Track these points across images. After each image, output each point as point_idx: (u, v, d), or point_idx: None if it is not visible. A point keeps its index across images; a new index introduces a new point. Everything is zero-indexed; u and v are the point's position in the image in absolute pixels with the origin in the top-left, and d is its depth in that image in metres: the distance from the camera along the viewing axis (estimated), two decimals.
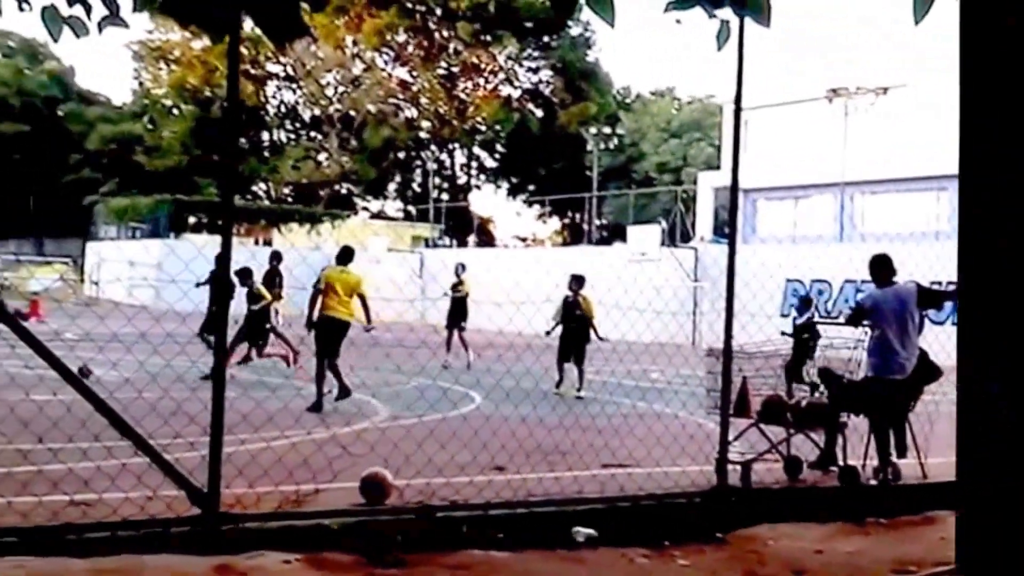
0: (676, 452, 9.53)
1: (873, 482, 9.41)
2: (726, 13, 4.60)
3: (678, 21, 4.73)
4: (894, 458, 9.57)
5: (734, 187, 8.95)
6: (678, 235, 42.64)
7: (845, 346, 9.97)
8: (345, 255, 15.05)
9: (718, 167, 44.85)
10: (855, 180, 37.25)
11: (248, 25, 4.55)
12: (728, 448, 8.56)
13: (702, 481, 8.53)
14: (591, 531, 7.50)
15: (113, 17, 4.53)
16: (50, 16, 4.48)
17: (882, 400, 9.58)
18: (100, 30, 4.61)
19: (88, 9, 4.46)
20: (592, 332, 17.16)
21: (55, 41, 4.62)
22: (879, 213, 37.46)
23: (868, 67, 37.71)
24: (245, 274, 15.88)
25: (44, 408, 7.84)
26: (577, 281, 17.70)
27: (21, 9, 4.47)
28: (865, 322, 9.86)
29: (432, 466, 8.51)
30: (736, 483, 8.67)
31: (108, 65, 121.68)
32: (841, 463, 9.57)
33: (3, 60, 75.64)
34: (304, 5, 4.34)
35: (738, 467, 8.84)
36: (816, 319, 17.46)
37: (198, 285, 14.31)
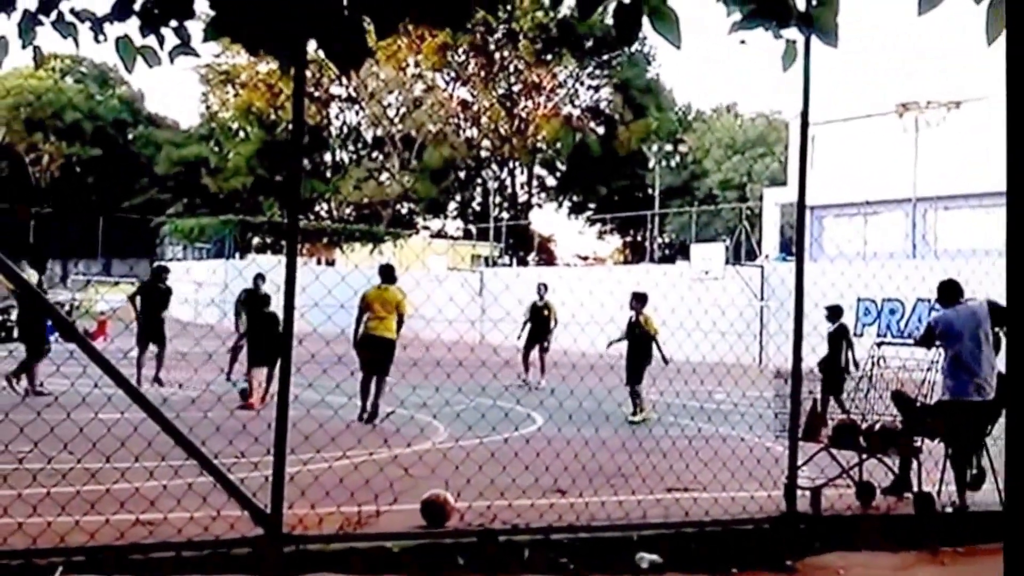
0: (743, 476, 9.34)
1: (949, 509, 9.07)
2: (792, 33, 4.49)
3: (743, 42, 4.63)
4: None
5: (801, 204, 8.75)
6: (743, 253, 42.12)
7: (919, 368, 9.66)
8: (386, 273, 15.69)
9: (784, 183, 44.13)
10: (927, 196, 36.40)
11: (312, 47, 4.60)
12: (797, 473, 8.32)
13: (770, 507, 8.35)
14: (655, 557, 7.37)
15: (184, 46, 4.59)
16: (124, 46, 4.54)
17: (958, 424, 9.23)
18: (172, 60, 4.69)
19: (161, 40, 4.51)
20: (657, 352, 16.96)
21: (129, 71, 4.70)
22: (953, 229, 36.25)
23: (940, 80, 36.80)
24: None
25: (112, 428, 7.88)
26: (638, 299, 17.49)
27: (97, 40, 4.56)
28: (938, 343, 9.54)
29: (493, 488, 8.42)
30: (806, 509, 8.42)
31: (176, 89, 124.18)
32: (916, 489, 9.19)
33: (76, 86, 77.25)
34: (370, 30, 4.36)
35: (807, 492, 8.56)
36: (847, 327, 17.35)
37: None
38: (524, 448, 10.02)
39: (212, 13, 4.30)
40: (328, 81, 69.93)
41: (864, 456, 9.25)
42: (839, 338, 17.21)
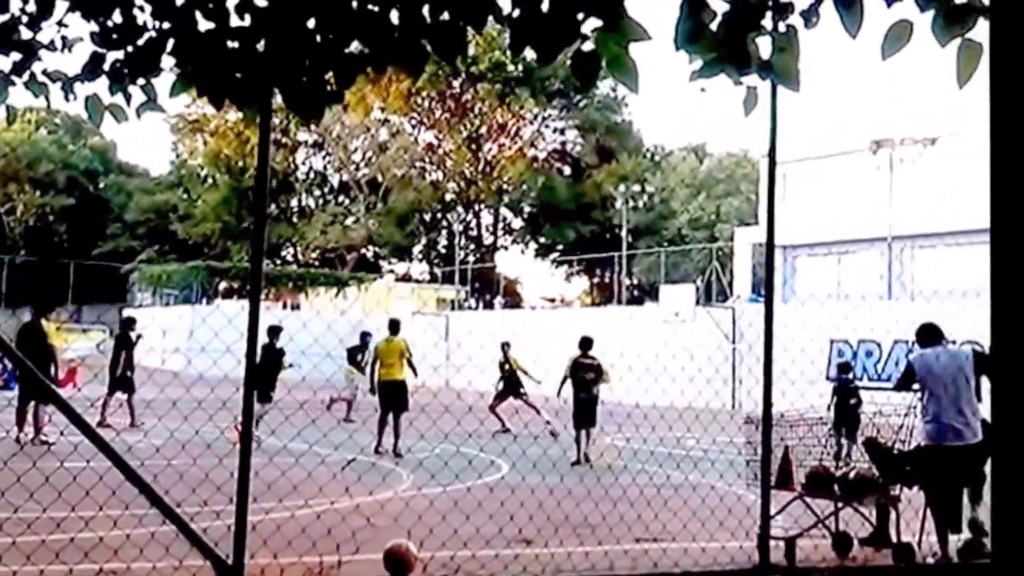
0: (714, 526, 9.21)
1: (931, 560, 8.79)
2: (754, 79, 4.49)
3: (703, 90, 4.64)
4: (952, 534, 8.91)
5: (769, 246, 8.69)
6: (714, 294, 42.04)
7: (895, 412, 9.45)
8: (392, 327, 18.15)
9: (755, 223, 43.99)
10: (903, 234, 36.05)
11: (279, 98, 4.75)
12: (771, 523, 8.17)
13: (742, 558, 8.22)
14: None
15: (151, 102, 4.71)
16: (92, 104, 4.68)
17: (937, 471, 8.95)
18: (139, 116, 4.81)
19: (128, 97, 4.63)
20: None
21: (97, 127, 4.83)
22: (930, 269, 35.73)
23: (915, 117, 36.72)
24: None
25: (78, 476, 7.79)
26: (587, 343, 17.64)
27: (67, 99, 4.71)
28: (916, 386, 9.29)
29: (457, 538, 8.31)
30: (780, 560, 8.25)
31: (148, 138, 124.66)
32: (895, 540, 8.98)
33: (49, 137, 77.81)
34: (330, 80, 4.44)
35: (782, 543, 8.39)
36: (855, 384, 17.21)
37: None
38: (488, 497, 9.91)
39: (178, 70, 4.41)
40: (295, 128, 70.05)
41: (840, 505, 9.08)
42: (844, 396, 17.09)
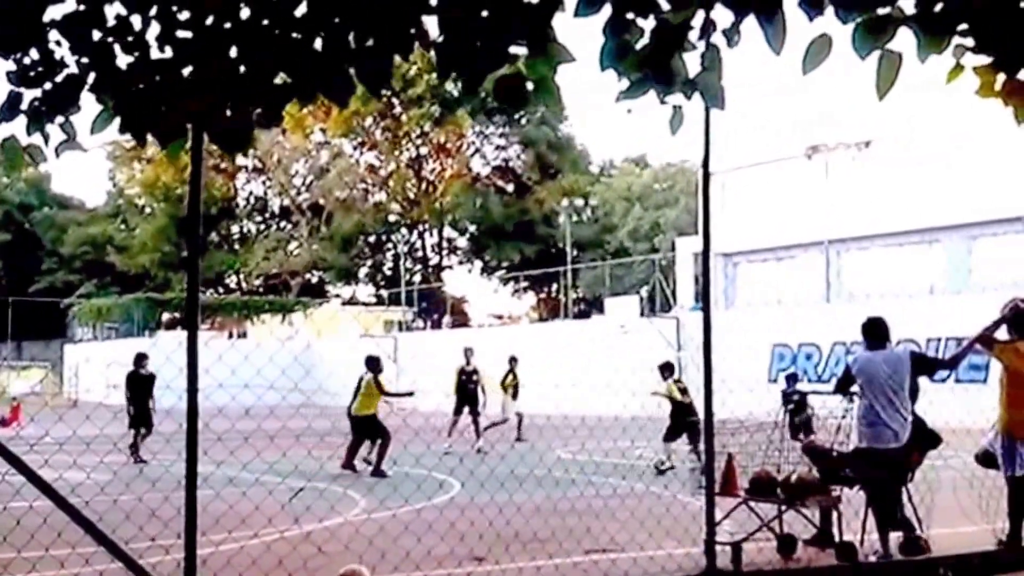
0: (661, 535, 9.27)
1: (872, 558, 8.92)
2: (679, 98, 4.53)
3: (629, 111, 4.67)
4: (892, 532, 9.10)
5: (705, 255, 8.82)
6: (658, 304, 42.26)
7: (832, 415, 9.60)
8: (370, 364, 18.32)
9: (696, 232, 44.23)
10: (840, 237, 36.53)
11: None
12: (716, 528, 8.27)
13: (690, 565, 8.30)
14: None
15: (70, 141, 4.54)
16: (10, 147, 4.55)
17: (875, 472, 9.04)
18: (57, 155, 4.66)
19: (46, 137, 4.48)
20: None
21: (14, 170, 4.72)
22: (868, 270, 36.21)
23: (847, 121, 37.21)
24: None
25: (22, 519, 7.72)
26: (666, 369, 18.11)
27: None
28: (853, 388, 9.39)
29: (409, 561, 8.34)
30: (727, 565, 8.31)
31: (84, 168, 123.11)
32: (838, 539, 9.11)
33: None
34: (255, 118, 4.41)
35: (728, 548, 8.46)
36: (802, 393, 17.28)
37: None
38: (439, 517, 9.91)
39: (99, 106, 4.33)
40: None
41: (783, 508, 9.20)
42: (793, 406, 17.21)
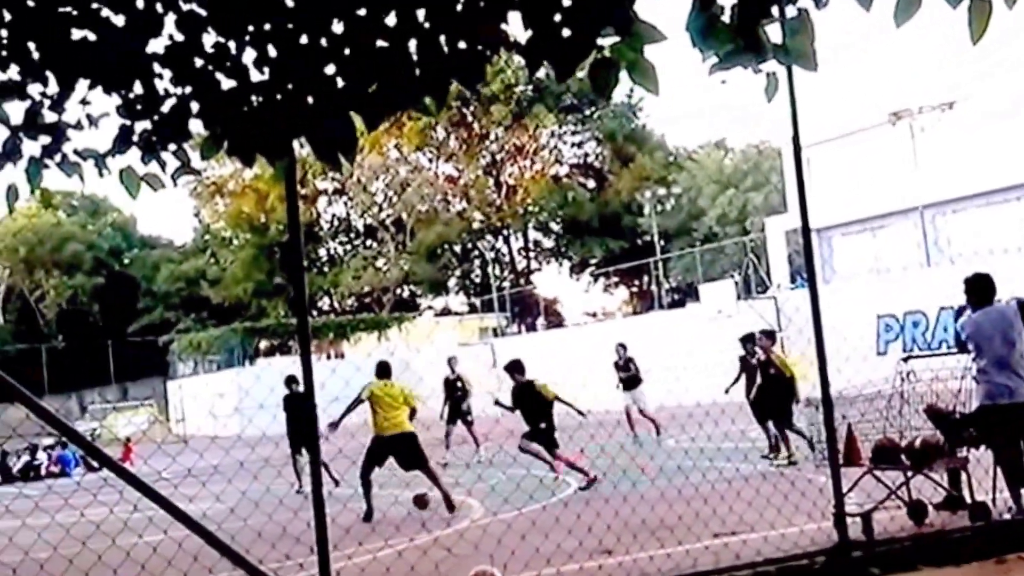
0: (790, 511, 9.20)
1: (1007, 516, 8.71)
2: (771, 64, 4.51)
3: (723, 82, 4.65)
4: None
5: (806, 230, 8.71)
6: (753, 286, 41.79)
7: (952, 376, 9.41)
8: (382, 370, 14.87)
9: (784, 211, 43.57)
10: (934, 201, 35.70)
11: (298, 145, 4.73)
12: (844, 500, 8.16)
13: (822, 539, 8.21)
14: None
15: (185, 167, 4.68)
16: (127, 177, 4.67)
17: (997, 429, 8.84)
18: (175, 182, 4.80)
19: (163, 164, 4.62)
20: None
21: (134, 199, 4.83)
22: (965, 231, 35.01)
23: (929, 85, 36.35)
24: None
25: (158, 548, 7.90)
26: (768, 336, 17.08)
27: (101, 175, 4.67)
28: (969, 348, 9.17)
29: (539, 557, 8.35)
30: (858, 536, 8.22)
31: (167, 208, 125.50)
32: (969, 500, 8.97)
33: (69, 219, 78.24)
34: (359, 124, 4.46)
35: (858, 519, 8.37)
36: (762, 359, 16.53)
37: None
38: (564, 512, 9.94)
39: (206, 132, 4.42)
40: (313, 177, 70.31)
41: (910, 474, 9.06)
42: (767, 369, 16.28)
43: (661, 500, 10.00)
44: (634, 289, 73.17)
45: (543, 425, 14.86)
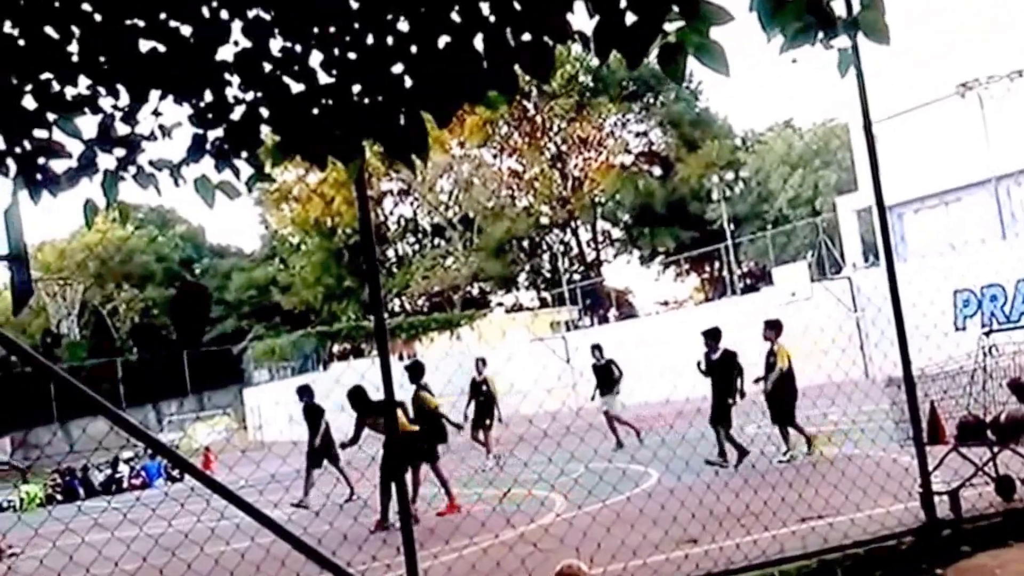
0: (875, 493, 9.09)
1: None
2: (842, 40, 4.46)
3: (794, 60, 4.61)
4: None
5: (881, 208, 8.56)
6: (827, 267, 41.31)
7: None
8: (413, 371, 15.12)
9: (855, 190, 42.94)
10: (1007, 172, 34.98)
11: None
12: (931, 479, 8.04)
13: (909, 519, 8.09)
14: None
15: (259, 173, 4.67)
16: (203, 186, 4.66)
17: None
18: (250, 189, 4.82)
19: (236, 172, 4.61)
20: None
21: (210, 207, 4.83)
22: None
23: (996, 55, 35.59)
24: None
25: (245, 555, 7.97)
26: (771, 327, 16.44)
27: (177, 185, 4.67)
28: None
29: (625, 548, 8.33)
30: (946, 515, 8.11)
31: (234, 216, 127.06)
32: None
33: (138, 232, 79.33)
34: (429, 121, 4.47)
35: (945, 497, 8.25)
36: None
37: None
38: (648, 503, 9.89)
39: (277, 137, 4.42)
40: (377, 179, 70.70)
41: (996, 449, 8.89)
42: (725, 369, 15.93)
43: (745, 487, 9.92)
44: (705, 276, 72.61)
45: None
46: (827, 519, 8.75)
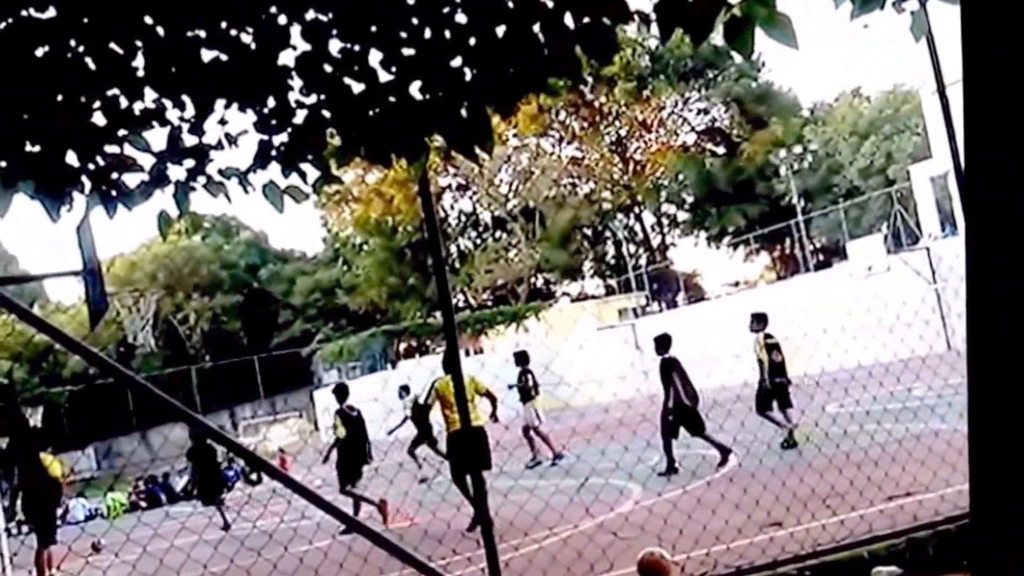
0: (965, 467, 8.83)
1: None
2: (912, 3, 4.35)
3: (866, 26, 4.50)
4: None
5: (959, 173, 8.32)
6: (904, 238, 40.46)
7: None
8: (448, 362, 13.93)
9: (929, 156, 41.97)
10: None
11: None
12: None
13: None
14: (894, 568, 7.02)
15: (326, 175, 4.68)
16: (271, 191, 4.68)
17: None
18: (317, 192, 4.83)
19: (303, 175, 4.64)
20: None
21: (280, 212, 4.85)
22: None
23: None
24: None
25: (328, 552, 8.02)
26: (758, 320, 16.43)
27: (246, 191, 4.71)
28: None
29: (708, 534, 8.23)
30: None
31: (296, 221, 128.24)
32: None
33: (203, 241, 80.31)
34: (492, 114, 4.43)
35: None
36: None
37: None
38: (729, 488, 9.78)
39: (340, 139, 4.40)
40: (436, 173, 70.77)
41: None
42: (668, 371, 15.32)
43: (830, 467, 9.72)
44: (776, 254, 71.33)
45: None
46: (916, 496, 8.58)
